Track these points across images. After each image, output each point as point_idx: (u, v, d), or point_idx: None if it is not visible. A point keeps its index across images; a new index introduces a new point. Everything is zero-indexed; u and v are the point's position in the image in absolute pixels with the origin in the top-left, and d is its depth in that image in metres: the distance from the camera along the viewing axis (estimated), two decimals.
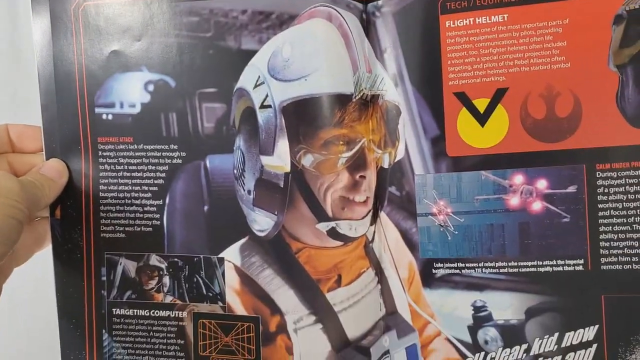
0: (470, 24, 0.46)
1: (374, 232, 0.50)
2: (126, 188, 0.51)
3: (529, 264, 0.47)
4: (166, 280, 0.51)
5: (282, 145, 0.47)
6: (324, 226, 0.49)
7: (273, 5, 0.47)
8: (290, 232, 0.49)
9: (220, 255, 0.50)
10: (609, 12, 0.44)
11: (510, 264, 0.47)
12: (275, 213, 0.48)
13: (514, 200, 0.46)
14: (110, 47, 0.50)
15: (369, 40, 0.49)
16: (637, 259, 0.46)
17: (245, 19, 0.47)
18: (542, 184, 0.46)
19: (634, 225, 0.45)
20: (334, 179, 0.48)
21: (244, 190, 0.49)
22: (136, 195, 0.51)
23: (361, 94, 0.48)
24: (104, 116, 0.50)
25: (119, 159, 0.51)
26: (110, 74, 0.50)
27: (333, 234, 0.49)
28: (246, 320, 0.50)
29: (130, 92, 0.50)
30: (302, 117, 0.47)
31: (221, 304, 0.50)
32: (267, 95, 0.47)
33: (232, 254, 0.50)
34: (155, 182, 0.51)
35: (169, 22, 0.49)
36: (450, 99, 0.47)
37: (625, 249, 0.46)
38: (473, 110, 0.46)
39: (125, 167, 0.51)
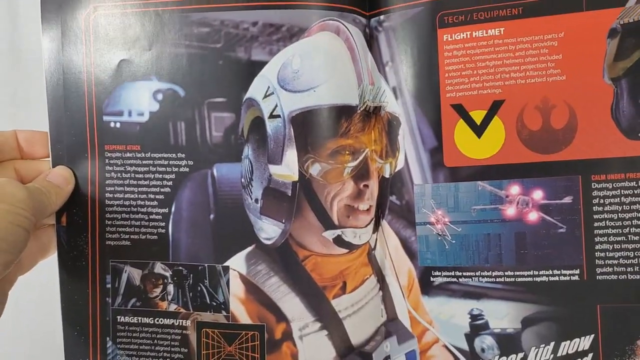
0: (467, 38, 0.46)
1: (376, 239, 0.51)
2: (132, 196, 0.51)
3: (525, 273, 0.47)
4: (170, 288, 0.52)
5: (291, 155, 0.48)
6: (330, 234, 0.49)
7: (284, 18, 0.48)
8: (297, 240, 0.49)
9: (225, 264, 0.50)
10: (604, 25, 0.45)
11: (506, 273, 0.48)
12: (283, 221, 0.49)
13: (510, 211, 0.47)
14: (120, 56, 0.51)
15: (372, 54, 0.50)
16: (633, 269, 0.46)
17: (255, 30, 0.48)
18: (538, 195, 0.47)
19: (629, 236, 0.46)
20: (340, 187, 0.49)
21: (252, 198, 0.50)
22: (142, 203, 0.51)
23: (365, 105, 0.49)
24: (112, 124, 0.51)
25: (126, 166, 0.51)
26: (119, 82, 0.51)
27: (339, 241, 0.50)
28: (251, 329, 0.50)
29: (139, 101, 0.50)
30: (310, 127, 0.48)
31: (225, 313, 0.51)
32: (276, 106, 0.48)
33: (237, 263, 0.50)
34: (162, 190, 0.51)
35: (179, 32, 0.49)
36: (447, 111, 0.48)
37: (621, 259, 0.46)
38: (470, 121, 0.47)
39: (132, 175, 0.51)
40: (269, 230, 0.49)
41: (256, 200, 0.50)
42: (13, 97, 0.69)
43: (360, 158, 0.49)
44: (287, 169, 0.48)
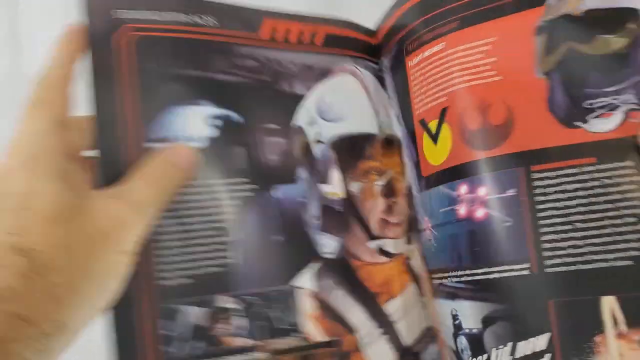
0: (421, 59, 0.52)
1: (411, 250, 0.56)
2: (189, 228, 0.47)
3: (480, 271, 0.47)
4: (238, 321, 0.48)
5: (336, 175, 0.55)
6: (373, 244, 0.55)
7: (315, 61, 0.56)
8: (351, 252, 0.54)
9: (294, 284, 0.51)
10: (531, 25, 0.47)
11: (466, 272, 0.48)
12: (339, 235, 0.54)
13: (462, 210, 0.49)
14: (167, 80, 0.48)
15: (385, 91, 0.58)
16: (582, 259, 0.43)
17: (295, 69, 0.55)
18: (482, 191, 0.47)
19: (575, 224, 0.44)
20: (374, 203, 0.56)
21: (311, 217, 0.54)
22: (201, 234, 0.48)
23: (384, 134, 0.57)
24: None
25: (181, 195, 0.47)
26: (165, 108, 0.48)
27: (380, 251, 0.55)
28: (326, 345, 0.51)
29: (190, 127, 0.48)
30: (346, 151, 0.55)
31: (299, 335, 0.50)
32: (318, 132, 0.55)
33: (306, 281, 0.52)
34: (224, 217, 0.48)
35: (229, 61, 0.51)
36: (418, 127, 0.53)
37: (568, 249, 0.44)
38: (429, 132, 0.52)
39: (186, 204, 0.47)
40: (329, 245, 0.54)
41: (315, 218, 0.54)
42: (13, 99, 0.61)
43: (386, 178, 0.56)
44: (334, 187, 0.55)
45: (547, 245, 0.45)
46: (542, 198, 0.45)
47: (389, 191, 0.56)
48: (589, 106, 0.45)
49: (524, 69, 0.47)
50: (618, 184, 0.44)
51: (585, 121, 0.45)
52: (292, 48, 0.54)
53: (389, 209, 0.55)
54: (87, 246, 0.39)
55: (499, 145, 0.47)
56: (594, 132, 0.45)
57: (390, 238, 0.55)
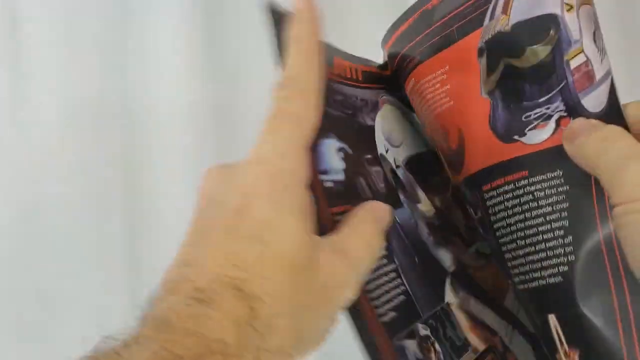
0: (409, 95, 0.56)
1: None
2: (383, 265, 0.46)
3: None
4: (437, 346, 0.47)
5: (421, 193, 0.56)
6: (472, 250, 0.57)
7: (366, 95, 0.57)
8: (461, 261, 0.55)
9: (447, 300, 0.51)
10: (473, 48, 0.47)
11: None
12: (449, 247, 0.55)
13: None
14: None
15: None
16: (525, 277, 0.42)
17: (359, 103, 0.56)
18: (473, 214, 0.50)
19: (517, 241, 0.43)
20: (455, 212, 0.57)
21: (425, 234, 0.55)
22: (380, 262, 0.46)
23: (431, 150, 0.59)
24: (327, 184, 0.46)
25: None
26: (318, 139, 0.45)
27: (478, 253, 0.57)
28: (489, 351, 0.51)
29: (332, 159, 0.48)
30: (416, 170, 0.57)
31: (471, 347, 0.50)
32: (395, 158, 0.57)
33: (450, 296, 0.51)
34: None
35: (331, 97, 0.50)
36: None
37: (520, 267, 0.43)
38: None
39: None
40: (446, 258, 0.55)
41: (428, 234, 0.55)
42: (14, 100, 0.68)
43: (451, 188, 0.58)
44: (424, 205, 0.56)
45: (508, 264, 0.45)
46: (494, 218, 0.45)
47: (459, 200, 0.57)
48: (526, 119, 0.44)
49: (471, 91, 0.47)
50: (548, 196, 0.42)
51: (523, 134, 0.44)
52: (351, 84, 0.56)
53: (466, 216, 0.57)
54: (308, 305, 0.33)
55: (461, 169, 0.49)
56: (530, 144, 0.44)
57: (480, 241, 0.56)
